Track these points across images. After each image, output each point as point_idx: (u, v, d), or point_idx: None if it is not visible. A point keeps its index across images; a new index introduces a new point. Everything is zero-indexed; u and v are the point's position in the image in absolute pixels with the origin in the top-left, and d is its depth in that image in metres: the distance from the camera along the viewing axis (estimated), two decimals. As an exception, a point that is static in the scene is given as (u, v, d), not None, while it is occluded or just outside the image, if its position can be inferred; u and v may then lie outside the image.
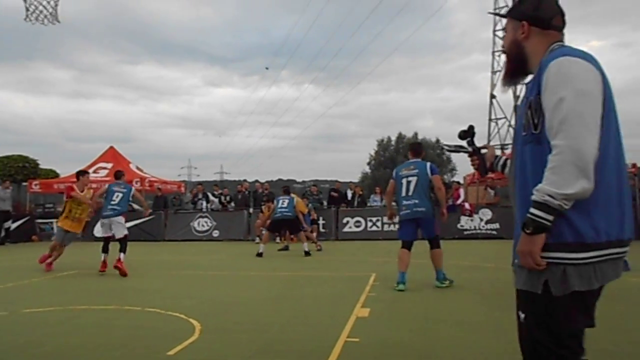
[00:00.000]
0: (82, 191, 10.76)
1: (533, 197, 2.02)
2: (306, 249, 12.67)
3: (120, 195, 10.40)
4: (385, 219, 18.48)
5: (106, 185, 10.93)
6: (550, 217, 1.98)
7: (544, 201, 1.97)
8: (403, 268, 7.56)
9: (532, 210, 2.03)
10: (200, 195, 21.47)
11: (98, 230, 10.29)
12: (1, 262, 12.60)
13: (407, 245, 7.70)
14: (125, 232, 10.30)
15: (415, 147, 8.21)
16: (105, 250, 10.18)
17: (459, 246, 14.40)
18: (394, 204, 8.67)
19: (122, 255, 9.69)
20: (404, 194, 7.72)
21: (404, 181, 7.74)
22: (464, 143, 2.90)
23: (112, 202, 10.27)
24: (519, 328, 2.44)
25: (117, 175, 11.02)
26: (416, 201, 7.58)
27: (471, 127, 2.87)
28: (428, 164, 7.85)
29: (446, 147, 3.11)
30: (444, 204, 8.01)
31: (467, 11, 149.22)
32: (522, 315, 2.40)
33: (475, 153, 2.87)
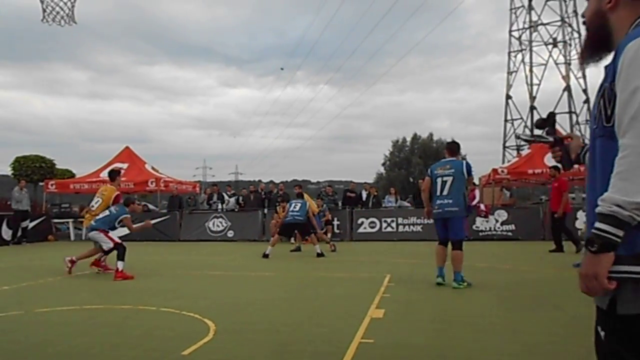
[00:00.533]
0: None
1: (598, 209, 1.67)
2: (318, 251, 12.60)
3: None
4: (400, 220, 18.55)
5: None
6: (620, 232, 1.62)
7: (611, 212, 1.62)
8: (440, 263, 7.87)
9: (597, 224, 1.67)
10: (215, 198, 21.55)
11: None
12: (18, 261, 12.70)
13: (444, 242, 7.90)
14: (110, 243, 9.69)
15: (452, 147, 8.27)
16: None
17: (474, 247, 14.29)
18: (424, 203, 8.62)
19: (119, 264, 9.27)
20: (438, 192, 7.75)
21: (439, 180, 7.76)
22: (542, 132, 2.62)
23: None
24: (597, 344, 1.95)
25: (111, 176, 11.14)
26: (450, 201, 7.62)
27: (551, 115, 2.60)
28: (464, 162, 7.90)
29: (523, 138, 2.85)
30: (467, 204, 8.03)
31: (483, 12, 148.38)
32: (602, 333, 1.90)
33: (557, 143, 2.54)
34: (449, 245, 7.84)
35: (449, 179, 7.65)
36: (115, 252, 9.45)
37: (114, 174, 11.11)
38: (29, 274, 10.05)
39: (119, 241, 9.69)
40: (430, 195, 8.07)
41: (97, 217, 10.01)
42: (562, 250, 12.85)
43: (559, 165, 2.65)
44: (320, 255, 12.53)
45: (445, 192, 7.65)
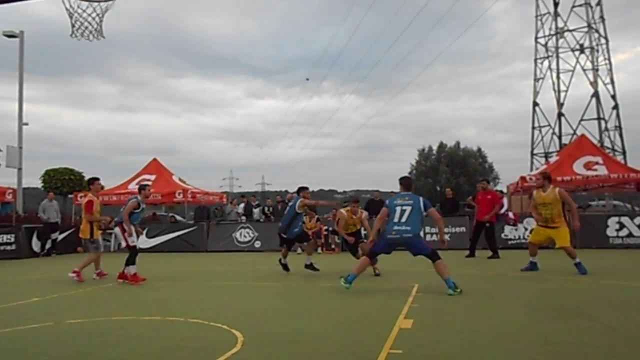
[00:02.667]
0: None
1: None
2: (308, 262, 11.45)
3: None
4: (428, 229, 18.40)
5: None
6: None
7: None
8: (357, 272, 8.58)
9: None
10: (240, 210, 21.71)
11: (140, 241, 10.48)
12: (47, 273, 12.87)
13: (374, 257, 8.88)
14: (124, 243, 10.65)
15: (406, 182, 8.76)
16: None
17: (503, 255, 14.14)
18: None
19: (131, 268, 10.33)
20: (396, 219, 8.26)
21: (398, 209, 8.30)
22: None
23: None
24: None
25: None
26: (408, 227, 8.20)
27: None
28: (421, 199, 8.45)
29: None
30: (443, 233, 8.65)
31: (508, 19, 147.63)
32: None
33: None
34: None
35: (408, 208, 8.25)
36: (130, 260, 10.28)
37: (90, 181, 11.45)
38: (59, 285, 10.17)
39: (133, 244, 10.43)
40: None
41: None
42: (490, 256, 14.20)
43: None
44: (308, 267, 11.37)
45: (403, 220, 8.21)
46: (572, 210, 11.17)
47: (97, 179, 11.22)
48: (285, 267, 11.51)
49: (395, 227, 8.25)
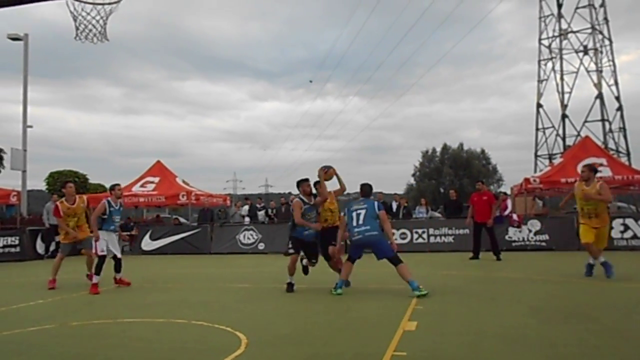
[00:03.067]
0: (71, 203, 10.41)
1: None
2: (304, 263, 10.64)
3: None
4: (432, 231, 18.42)
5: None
6: None
7: None
8: (344, 277, 8.82)
9: None
10: (244, 211, 21.70)
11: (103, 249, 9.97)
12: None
13: (353, 261, 8.79)
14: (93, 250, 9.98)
15: (364, 189, 9.16)
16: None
17: (507, 258, 14.11)
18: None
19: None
20: (355, 223, 8.59)
21: (354, 214, 8.66)
22: None
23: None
24: None
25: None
26: (367, 227, 8.48)
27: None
28: (375, 203, 8.85)
29: None
30: (391, 235, 8.76)
31: (512, 21, 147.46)
32: None
33: None
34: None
35: (363, 211, 8.59)
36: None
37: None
38: (63, 287, 10.18)
39: (102, 253, 9.82)
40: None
41: None
42: (478, 257, 14.29)
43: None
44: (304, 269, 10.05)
45: (360, 221, 8.54)
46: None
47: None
48: (305, 270, 9.96)
49: (356, 230, 8.58)
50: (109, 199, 10.23)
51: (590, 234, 9.49)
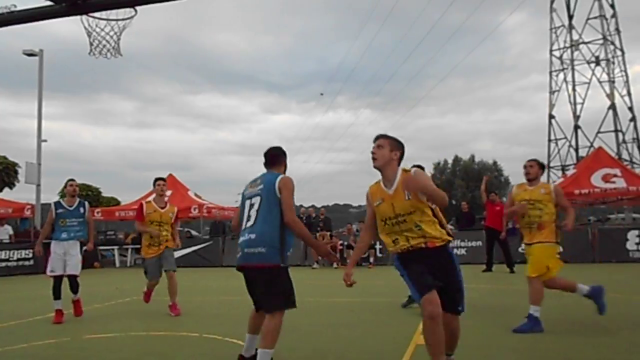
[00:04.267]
0: (161, 206, 8.54)
1: None
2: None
3: None
4: (457, 242, 18.29)
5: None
6: None
7: None
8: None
9: None
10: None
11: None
12: (65, 288, 12.89)
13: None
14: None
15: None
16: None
17: (520, 270, 13.97)
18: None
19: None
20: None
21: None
22: None
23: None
24: None
25: None
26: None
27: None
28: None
29: None
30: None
31: (523, 32, 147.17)
32: None
33: None
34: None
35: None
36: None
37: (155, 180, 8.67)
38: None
39: (51, 273, 8.17)
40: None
41: None
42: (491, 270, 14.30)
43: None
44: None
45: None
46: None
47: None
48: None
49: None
50: (59, 199, 8.57)
51: (540, 265, 6.97)
